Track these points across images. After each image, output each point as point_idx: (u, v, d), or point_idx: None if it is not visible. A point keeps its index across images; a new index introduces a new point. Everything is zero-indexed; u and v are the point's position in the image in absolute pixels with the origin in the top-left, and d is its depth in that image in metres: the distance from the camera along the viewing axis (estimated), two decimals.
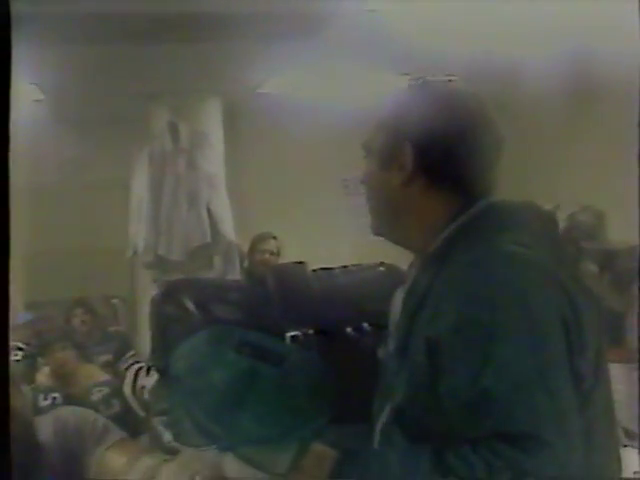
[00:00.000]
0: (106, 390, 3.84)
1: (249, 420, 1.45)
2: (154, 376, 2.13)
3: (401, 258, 1.78)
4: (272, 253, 5.14)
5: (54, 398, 4.02)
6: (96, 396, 3.76)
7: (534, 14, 4.29)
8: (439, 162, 1.45)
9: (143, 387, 2.72)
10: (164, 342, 1.75)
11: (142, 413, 2.65)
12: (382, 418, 1.47)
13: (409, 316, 1.42)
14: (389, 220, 1.50)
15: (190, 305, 1.72)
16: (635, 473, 2.06)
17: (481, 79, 1.57)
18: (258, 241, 5.23)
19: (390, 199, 1.48)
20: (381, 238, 1.54)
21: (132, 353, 5.21)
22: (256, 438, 1.46)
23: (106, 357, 5.43)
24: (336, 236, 6.83)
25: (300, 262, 1.83)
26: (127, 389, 2.79)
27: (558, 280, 1.37)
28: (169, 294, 1.78)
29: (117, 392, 3.41)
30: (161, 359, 1.75)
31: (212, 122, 5.99)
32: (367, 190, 1.53)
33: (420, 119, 1.45)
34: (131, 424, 2.51)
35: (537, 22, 4.38)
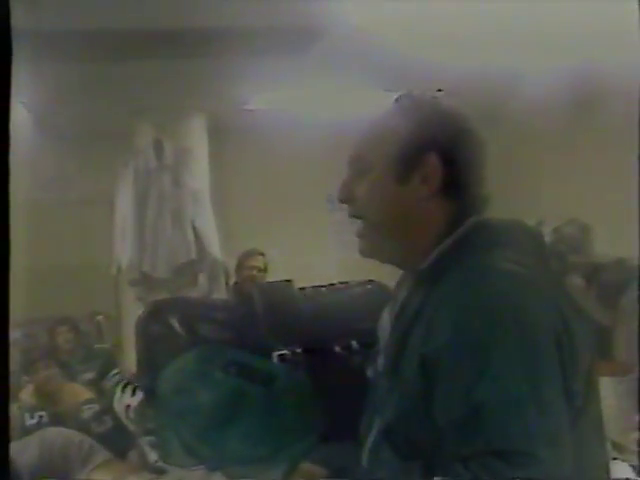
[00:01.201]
0: (96, 407, 3.80)
1: (237, 440, 1.44)
2: (139, 395, 2.11)
3: (388, 275, 1.77)
4: (260, 270, 5.14)
5: (40, 417, 3.99)
6: (87, 413, 3.72)
7: (533, 22, 4.30)
8: (457, 174, 1.43)
9: (128, 406, 2.69)
10: (150, 361, 1.74)
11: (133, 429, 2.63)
12: (371, 436, 1.45)
13: (401, 334, 1.41)
14: (385, 239, 1.46)
15: (176, 324, 1.71)
16: None
17: (474, 91, 1.56)
18: (245, 258, 5.22)
19: (398, 215, 1.44)
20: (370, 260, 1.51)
21: (116, 371, 5.17)
22: (244, 458, 1.45)
23: (90, 375, 5.39)
24: (322, 252, 6.83)
25: (287, 280, 1.82)
26: (118, 405, 2.76)
27: (550, 297, 1.38)
28: (155, 313, 1.77)
29: (108, 409, 3.39)
30: (147, 378, 1.74)
31: (197, 139, 5.97)
32: (360, 208, 1.47)
33: (441, 128, 1.44)
34: (124, 441, 2.49)
35: (536, 30, 4.39)
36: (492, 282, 1.34)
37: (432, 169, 1.41)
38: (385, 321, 1.52)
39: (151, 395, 1.68)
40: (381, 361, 1.47)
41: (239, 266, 5.21)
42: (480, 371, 1.29)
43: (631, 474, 3.13)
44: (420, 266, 1.44)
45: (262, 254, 5.24)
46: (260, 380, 1.51)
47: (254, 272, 5.10)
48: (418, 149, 1.42)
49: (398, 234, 1.45)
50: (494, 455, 1.27)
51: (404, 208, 1.43)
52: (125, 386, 2.68)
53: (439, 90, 1.52)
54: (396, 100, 1.52)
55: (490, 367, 1.29)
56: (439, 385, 1.32)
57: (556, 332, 1.33)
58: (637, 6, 1.65)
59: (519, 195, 5.10)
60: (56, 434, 1.95)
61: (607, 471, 1.48)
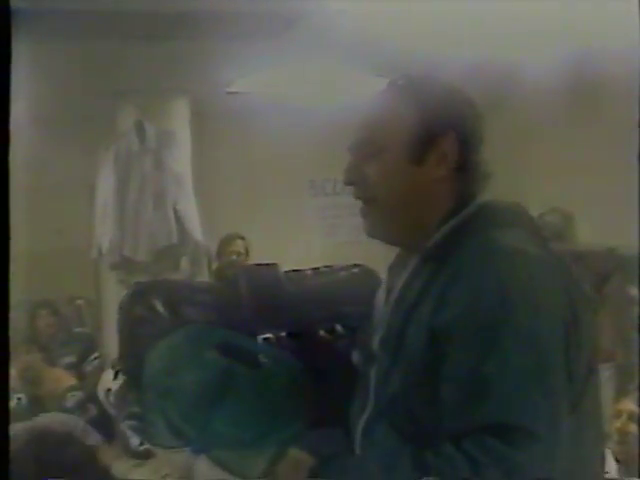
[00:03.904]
0: (80, 395, 3.80)
1: (224, 422, 1.43)
2: (121, 379, 2.10)
3: (370, 259, 1.76)
4: (239, 254, 5.14)
5: (19, 399, 3.98)
6: (70, 401, 3.72)
7: (532, 15, 4.28)
8: (470, 153, 1.45)
9: (109, 390, 2.69)
10: (133, 344, 1.72)
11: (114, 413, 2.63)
12: (363, 419, 1.46)
13: (405, 310, 1.42)
14: (392, 220, 1.47)
15: (159, 307, 1.69)
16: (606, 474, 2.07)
17: (471, 81, 1.58)
18: (225, 243, 5.22)
19: (410, 195, 1.45)
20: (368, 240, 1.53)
21: (97, 355, 5.17)
22: (231, 441, 1.44)
23: (70, 359, 5.38)
24: (304, 236, 6.81)
25: (272, 263, 1.81)
26: (101, 393, 2.76)
27: (559, 279, 1.40)
28: (138, 296, 1.75)
29: (92, 396, 3.39)
30: (130, 361, 1.72)
31: (179, 121, 5.93)
32: (371, 190, 1.47)
33: (455, 107, 1.45)
34: (108, 427, 2.49)
35: (535, 23, 4.38)
36: (504, 260, 1.36)
37: (450, 149, 1.43)
38: (380, 301, 1.53)
39: (134, 378, 1.67)
40: (377, 340, 1.47)
41: (219, 251, 5.21)
42: (489, 346, 1.31)
43: (613, 462, 3.15)
44: (426, 244, 1.45)
45: (242, 238, 5.24)
46: (250, 362, 1.50)
47: (234, 257, 5.11)
48: (434, 129, 1.43)
49: (407, 214, 1.46)
50: (492, 431, 1.28)
51: (417, 189, 1.44)
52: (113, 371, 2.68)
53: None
54: (390, 83, 1.51)
55: (499, 343, 1.31)
56: (448, 357, 1.34)
57: (564, 313, 1.36)
58: None
59: (515, 186, 5.11)
60: (49, 420, 1.94)
61: (603, 459, 1.51)
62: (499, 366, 1.31)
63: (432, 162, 1.43)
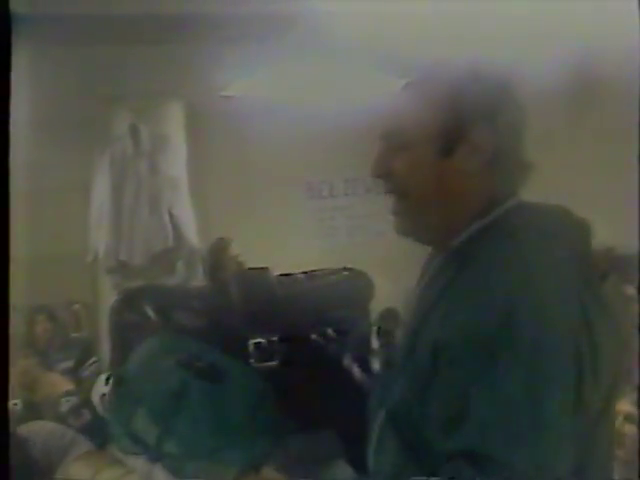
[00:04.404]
0: (75, 400, 3.78)
1: (179, 434, 1.43)
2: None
3: (366, 262, 1.75)
4: (233, 257, 5.13)
5: (15, 404, 3.97)
6: (65, 406, 3.70)
7: (532, 14, 4.28)
8: (504, 144, 1.34)
9: (104, 395, 2.67)
10: (124, 349, 1.72)
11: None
12: (377, 425, 1.40)
13: (422, 314, 1.35)
14: (423, 216, 1.38)
15: (150, 312, 1.69)
16: None
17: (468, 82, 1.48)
18: (219, 246, 5.21)
19: (440, 190, 1.36)
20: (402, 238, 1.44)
21: (94, 360, 5.15)
22: (185, 453, 1.43)
23: (67, 364, 5.37)
24: (301, 239, 6.81)
25: (263, 268, 1.81)
26: (96, 398, 2.75)
27: (576, 300, 1.29)
28: (129, 301, 1.75)
29: (86, 401, 3.37)
30: (121, 366, 1.72)
31: (174, 125, 5.93)
32: (399, 183, 1.38)
33: (484, 95, 1.35)
34: (102, 434, 2.48)
35: (535, 23, 4.38)
36: (514, 276, 1.26)
37: (481, 139, 1.33)
38: (409, 301, 1.46)
39: (122, 382, 1.67)
40: (400, 339, 1.42)
41: (213, 254, 5.21)
42: (482, 369, 1.22)
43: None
44: (452, 243, 1.36)
45: (234, 241, 5.24)
46: (209, 376, 1.49)
47: (229, 260, 5.10)
48: (463, 119, 1.33)
49: (438, 211, 1.37)
50: (469, 459, 1.20)
51: (448, 183, 1.35)
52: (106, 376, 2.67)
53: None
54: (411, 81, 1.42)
55: (492, 367, 1.22)
56: (440, 373, 1.26)
57: (576, 339, 1.25)
58: None
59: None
60: (39, 428, 1.93)
61: None
62: (485, 393, 1.21)
63: (462, 154, 1.34)
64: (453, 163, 1.34)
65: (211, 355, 1.54)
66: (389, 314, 5.78)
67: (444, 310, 1.30)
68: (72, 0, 4.13)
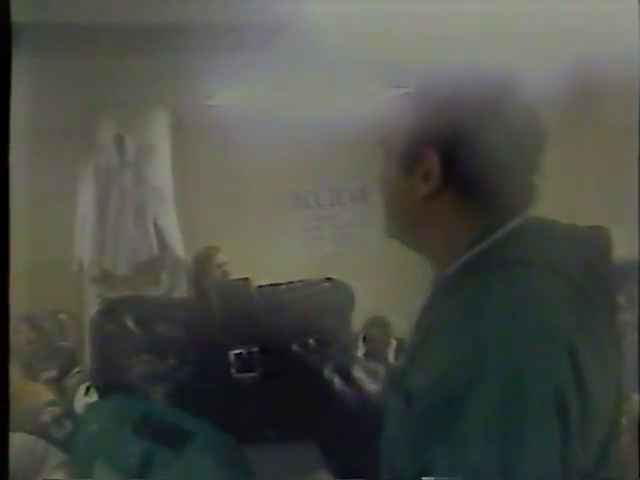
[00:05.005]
0: (57, 410, 3.76)
1: None
2: (93, 395, 2.08)
3: (350, 272, 1.75)
4: (218, 267, 5.11)
5: None
6: (46, 417, 3.68)
7: (531, 17, 4.28)
8: (474, 172, 1.23)
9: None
10: (104, 360, 1.71)
11: None
12: (386, 437, 1.30)
13: (412, 346, 1.27)
14: (407, 227, 1.30)
15: (130, 323, 1.68)
16: None
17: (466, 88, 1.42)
18: (204, 255, 5.19)
19: (409, 209, 1.28)
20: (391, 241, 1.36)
21: (78, 369, 5.13)
22: None
23: (51, 373, 5.34)
24: (287, 249, 6.81)
25: (244, 278, 1.80)
26: (78, 408, 2.73)
27: (567, 346, 1.14)
28: (109, 312, 1.74)
29: (69, 412, 3.36)
30: (101, 378, 1.71)
31: (159, 135, 5.93)
32: (383, 192, 1.33)
33: (442, 123, 1.26)
34: None
35: (535, 24, 4.38)
36: (492, 326, 1.14)
37: (431, 166, 1.24)
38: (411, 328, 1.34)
39: (106, 395, 1.66)
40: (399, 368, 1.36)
41: (198, 264, 5.18)
42: (447, 426, 1.11)
43: None
44: (448, 268, 1.26)
45: (220, 250, 5.22)
46: (173, 441, 1.44)
47: (214, 270, 5.08)
48: (417, 143, 1.25)
49: (411, 230, 1.29)
50: None
51: (408, 203, 1.28)
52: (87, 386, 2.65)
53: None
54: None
55: (458, 427, 1.10)
56: (411, 423, 1.17)
57: (559, 393, 1.11)
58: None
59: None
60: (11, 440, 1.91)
61: None
62: (449, 455, 1.09)
63: (418, 178, 1.25)
64: (411, 185, 1.27)
65: (171, 416, 1.48)
66: (374, 322, 5.80)
67: (426, 351, 1.21)
68: (55, 10, 4.12)
